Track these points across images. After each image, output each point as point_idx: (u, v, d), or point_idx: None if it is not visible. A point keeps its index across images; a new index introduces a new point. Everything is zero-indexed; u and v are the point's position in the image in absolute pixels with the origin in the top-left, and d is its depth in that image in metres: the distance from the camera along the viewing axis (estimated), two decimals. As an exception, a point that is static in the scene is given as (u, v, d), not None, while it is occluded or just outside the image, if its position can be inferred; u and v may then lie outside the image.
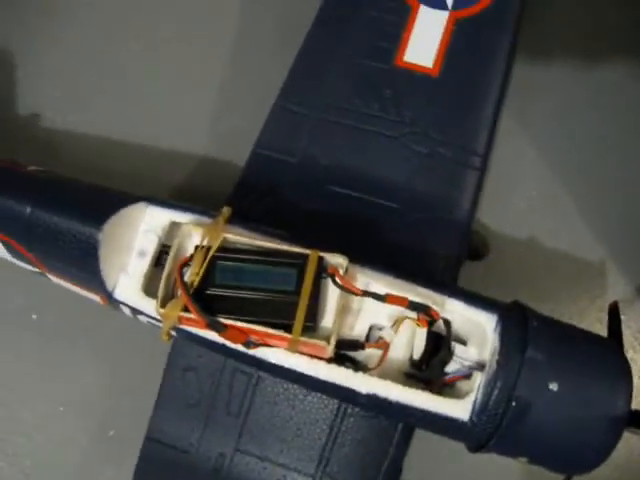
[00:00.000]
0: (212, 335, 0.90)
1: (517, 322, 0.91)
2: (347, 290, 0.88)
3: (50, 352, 1.24)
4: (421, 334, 0.95)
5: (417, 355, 0.95)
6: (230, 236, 0.91)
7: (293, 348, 0.87)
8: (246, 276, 0.89)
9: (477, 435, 0.89)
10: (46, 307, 1.24)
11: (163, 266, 0.94)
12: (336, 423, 0.99)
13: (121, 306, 0.95)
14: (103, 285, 0.92)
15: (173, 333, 0.95)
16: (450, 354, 0.94)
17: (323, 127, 1.14)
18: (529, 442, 0.89)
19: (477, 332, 0.93)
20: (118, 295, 0.92)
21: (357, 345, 0.94)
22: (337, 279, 0.88)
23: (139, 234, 0.94)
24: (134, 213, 0.93)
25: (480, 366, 0.92)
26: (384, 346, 0.94)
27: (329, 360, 0.90)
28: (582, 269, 1.31)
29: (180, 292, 0.87)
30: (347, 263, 0.89)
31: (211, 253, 0.88)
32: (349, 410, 0.99)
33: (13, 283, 1.23)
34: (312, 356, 0.89)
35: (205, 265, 0.88)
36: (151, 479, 1.05)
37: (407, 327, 0.96)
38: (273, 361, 0.90)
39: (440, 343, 0.95)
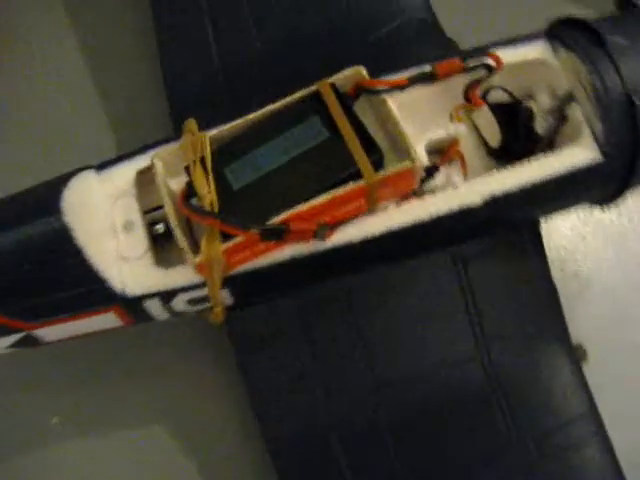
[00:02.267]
0: (277, 255, 0.67)
1: (574, 28, 0.72)
2: (390, 88, 0.66)
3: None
4: (485, 115, 0.75)
5: (495, 141, 0.75)
6: (215, 132, 0.68)
7: (374, 198, 0.65)
8: (264, 159, 0.66)
9: (618, 164, 0.70)
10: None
11: (160, 234, 0.70)
12: (463, 280, 0.77)
13: (146, 306, 0.69)
14: (109, 287, 0.67)
15: (225, 297, 0.70)
16: (529, 112, 0.75)
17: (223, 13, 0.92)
18: None
19: (537, 72, 0.74)
20: (134, 290, 0.67)
21: (431, 170, 0.72)
22: (369, 86, 0.66)
23: (111, 207, 0.69)
24: (87, 184, 0.69)
25: (567, 101, 0.72)
26: (456, 150, 0.74)
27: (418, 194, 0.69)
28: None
29: (205, 223, 0.63)
30: (364, 70, 0.68)
31: (208, 160, 0.65)
32: (467, 257, 0.77)
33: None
34: (400, 199, 0.68)
35: (211, 176, 0.64)
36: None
37: (465, 119, 0.76)
38: (362, 236, 0.67)
39: (510, 111, 0.75)
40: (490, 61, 0.68)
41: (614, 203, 0.78)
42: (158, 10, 0.92)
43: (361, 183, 0.63)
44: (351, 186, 0.63)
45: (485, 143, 0.76)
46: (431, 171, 0.72)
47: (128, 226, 0.69)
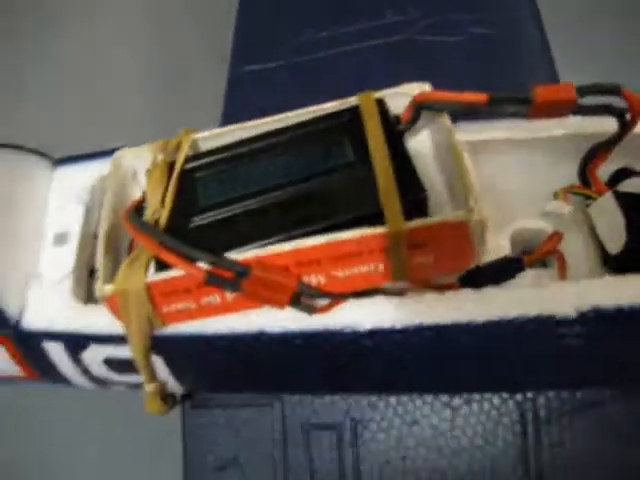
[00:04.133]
0: (233, 322, 0.43)
1: None
2: (464, 105, 0.44)
3: None
4: (607, 206, 0.50)
5: (617, 246, 0.49)
6: (204, 135, 0.48)
7: (401, 261, 0.41)
8: (256, 176, 0.45)
9: None
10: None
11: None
12: (528, 449, 0.49)
13: (46, 348, 0.48)
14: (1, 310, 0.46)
15: (163, 375, 0.48)
16: None
17: (302, 71, 0.77)
18: None
19: None
20: (32, 320, 0.46)
21: (512, 264, 0.47)
22: (428, 101, 0.44)
23: (55, 211, 0.50)
24: (31, 170, 0.51)
25: None
26: (554, 246, 0.48)
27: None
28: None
29: (139, 239, 0.42)
30: (428, 86, 0.46)
31: (179, 163, 0.45)
32: (544, 415, 0.50)
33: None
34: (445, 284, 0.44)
35: (173, 184, 0.44)
36: None
37: (576, 207, 0.51)
38: (374, 323, 0.43)
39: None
40: (624, 100, 0.44)
41: None
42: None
43: (382, 230, 0.40)
44: (365, 232, 0.40)
45: (601, 247, 0.50)
46: (512, 266, 0.47)
47: (61, 239, 0.49)
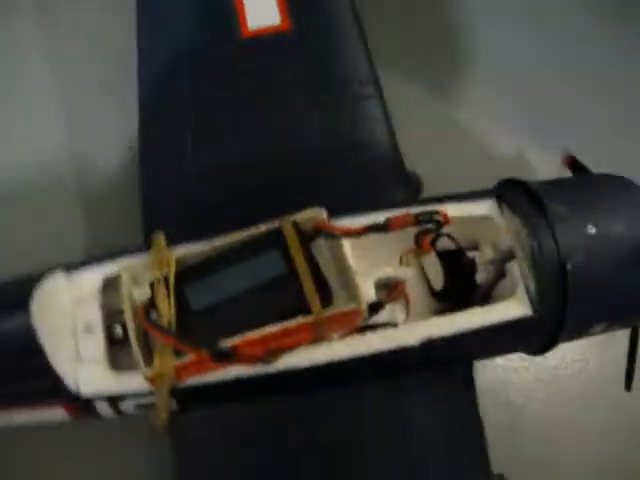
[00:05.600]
0: (224, 373, 0.71)
1: (519, 192, 0.81)
2: (345, 234, 0.73)
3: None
4: (432, 260, 0.82)
5: (438, 284, 0.82)
6: (181, 252, 0.74)
7: (320, 331, 0.71)
8: (224, 285, 0.72)
9: (548, 322, 0.77)
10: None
11: (118, 338, 0.74)
12: (395, 411, 0.82)
13: (96, 405, 0.73)
14: (63, 386, 0.70)
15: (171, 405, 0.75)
16: (471, 263, 0.82)
17: (204, 128, 1.00)
18: (598, 298, 0.77)
19: (484, 227, 0.82)
20: (87, 390, 0.71)
21: (376, 306, 0.78)
22: (328, 231, 0.73)
23: (75, 310, 0.73)
24: (55, 286, 0.73)
25: (507, 258, 0.80)
26: (402, 290, 0.80)
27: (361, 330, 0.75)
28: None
29: (160, 339, 0.68)
30: (325, 213, 0.75)
31: (172, 280, 0.71)
32: (403, 390, 0.83)
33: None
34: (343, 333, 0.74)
35: (172, 296, 0.70)
36: None
37: (414, 261, 0.83)
38: (306, 364, 0.72)
39: (455, 260, 0.83)
40: (439, 217, 0.76)
41: (544, 353, 0.85)
42: (144, 120, 0.99)
43: (310, 318, 0.69)
44: (301, 320, 0.69)
45: (430, 285, 0.83)
46: (376, 307, 0.78)
47: (88, 329, 0.73)
